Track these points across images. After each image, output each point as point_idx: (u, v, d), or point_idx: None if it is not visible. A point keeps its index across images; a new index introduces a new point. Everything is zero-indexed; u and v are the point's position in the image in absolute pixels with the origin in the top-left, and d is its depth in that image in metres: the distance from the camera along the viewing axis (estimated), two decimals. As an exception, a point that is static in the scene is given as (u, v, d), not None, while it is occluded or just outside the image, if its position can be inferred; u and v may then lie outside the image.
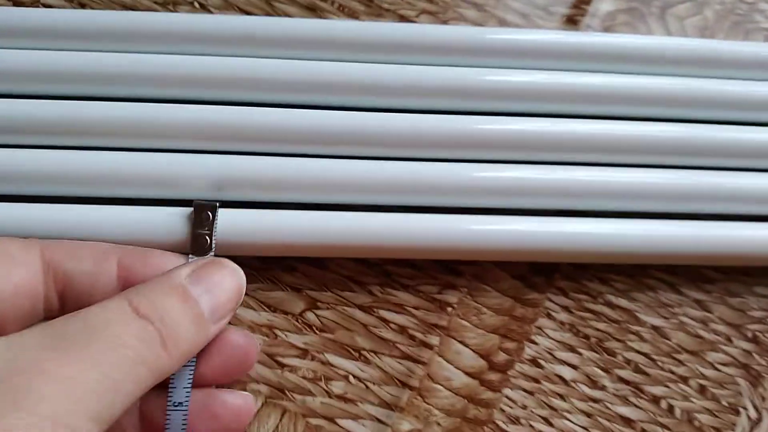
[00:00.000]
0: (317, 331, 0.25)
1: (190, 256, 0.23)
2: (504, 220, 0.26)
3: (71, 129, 0.25)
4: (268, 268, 0.26)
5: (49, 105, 0.25)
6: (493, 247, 0.25)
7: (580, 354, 0.26)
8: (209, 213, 0.23)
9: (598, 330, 0.27)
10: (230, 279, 0.21)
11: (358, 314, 0.26)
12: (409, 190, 0.26)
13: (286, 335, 0.25)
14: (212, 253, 0.23)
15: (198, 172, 0.25)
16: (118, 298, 0.19)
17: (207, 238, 0.23)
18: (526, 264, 0.27)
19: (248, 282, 0.25)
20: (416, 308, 0.26)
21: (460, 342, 0.26)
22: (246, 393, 0.22)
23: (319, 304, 0.26)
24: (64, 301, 0.20)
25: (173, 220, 0.24)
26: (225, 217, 0.24)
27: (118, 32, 0.26)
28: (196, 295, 0.20)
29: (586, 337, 0.27)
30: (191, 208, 0.23)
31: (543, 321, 0.27)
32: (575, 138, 0.27)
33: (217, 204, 0.23)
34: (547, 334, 0.27)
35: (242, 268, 0.25)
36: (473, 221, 0.25)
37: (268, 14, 0.30)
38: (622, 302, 0.27)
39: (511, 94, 0.27)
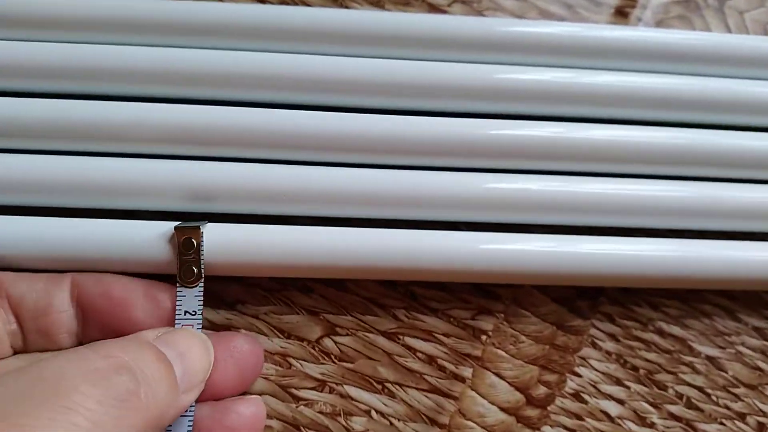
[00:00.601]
0: (336, 360, 0.23)
1: (178, 286, 0.20)
2: (543, 240, 0.23)
3: (29, 130, 0.22)
4: (281, 289, 0.23)
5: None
6: (533, 270, 0.22)
7: (627, 387, 0.24)
8: (192, 239, 0.20)
9: (647, 361, 0.24)
10: (199, 349, 0.19)
11: (382, 341, 0.23)
12: (433, 204, 0.23)
13: (301, 364, 0.23)
14: (201, 283, 0.20)
15: (183, 180, 0.22)
16: (80, 348, 0.16)
17: (194, 267, 0.20)
18: (569, 285, 0.24)
19: (259, 303, 0.23)
20: (447, 336, 0.23)
21: (496, 374, 0.23)
22: (254, 397, 0.21)
23: (338, 329, 0.23)
24: (21, 324, 0.20)
25: (155, 238, 0.21)
26: (216, 234, 0.21)
27: (84, 20, 0.23)
28: (168, 356, 0.18)
29: (635, 368, 0.24)
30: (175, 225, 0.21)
31: (587, 350, 0.24)
32: (623, 146, 0.24)
33: (201, 227, 0.21)
34: (591, 365, 0.24)
35: (251, 288, 0.23)
36: (509, 240, 0.22)
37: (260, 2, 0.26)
38: (675, 330, 0.25)
39: (533, 94, 0.24)
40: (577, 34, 0.24)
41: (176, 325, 0.20)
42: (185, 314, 0.20)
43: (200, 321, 0.20)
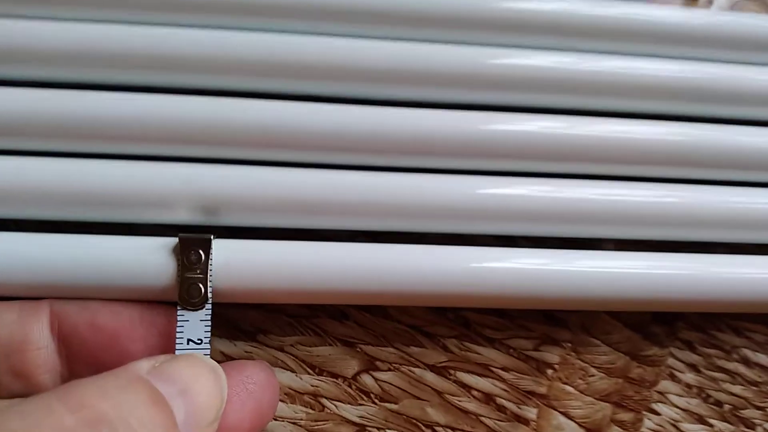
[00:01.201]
0: (377, 401, 0.19)
1: (179, 309, 0.16)
2: (611, 258, 0.19)
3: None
4: (310, 315, 0.19)
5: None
6: (601, 294, 0.19)
7: (710, 426, 0.21)
8: (200, 251, 0.17)
9: (732, 395, 0.21)
10: (208, 381, 0.15)
11: (430, 377, 0.19)
12: (493, 215, 0.19)
13: (336, 406, 0.19)
14: (209, 305, 0.17)
15: (185, 187, 0.18)
16: (44, 396, 0.13)
17: (200, 285, 0.17)
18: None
19: (284, 333, 0.19)
20: (506, 370, 0.20)
21: (563, 413, 0.20)
22: None
23: (378, 363, 0.19)
24: None
25: (152, 255, 0.17)
26: (223, 252, 0.17)
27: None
28: (166, 394, 0.14)
29: (718, 403, 0.21)
30: (176, 240, 0.17)
31: (665, 384, 0.21)
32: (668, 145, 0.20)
33: (212, 237, 0.17)
34: (670, 401, 0.21)
35: (274, 315, 0.19)
36: (576, 258, 0.19)
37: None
38: (761, 358, 0.21)
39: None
40: (584, 12, 0.21)
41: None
42: (188, 343, 0.17)
43: (208, 351, 0.16)
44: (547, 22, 0.20)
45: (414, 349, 0.20)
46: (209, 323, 0.17)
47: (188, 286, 0.17)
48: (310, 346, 0.19)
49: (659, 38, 0.21)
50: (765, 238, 0.21)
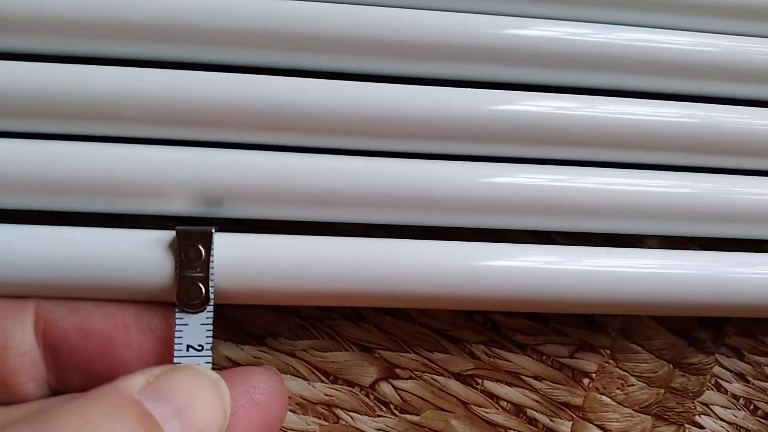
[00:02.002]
0: (396, 412, 0.17)
1: (177, 311, 0.15)
2: (650, 257, 0.17)
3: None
4: (324, 317, 0.18)
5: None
6: (644, 297, 0.17)
7: (758, 441, 0.19)
8: (200, 246, 0.15)
9: (783, 407, 0.19)
10: (209, 397, 0.14)
11: (455, 387, 0.18)
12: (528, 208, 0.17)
13: (351, 417, 0.17)
14: (210, 307, 0.15)
15: (185, 174, 0.16)
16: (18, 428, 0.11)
17: (200, 285, 0.15)
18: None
19: (296, 337, 0.17)
20: (538, 379, 0.18)
21: (599, 427, 0.18)
22: None
23: (398, 371, 0.18)
24: None
25: (148, 250, 0.15)
26: (227, 247, 0.15)
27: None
28: (159, 417, 0.12)
29: (767, 416, 0.19)
30: (173, 233, 0.15)
31: (710, 394, 0.19)
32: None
33: (213, 230, 0.15)
34: (715, 413, 0.19)
35: (285, 316, 0.17)
36: (618, 256, 0.17)
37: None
38: (816, 367, 0.19)
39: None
40: None
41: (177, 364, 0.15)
42: (188, 349, 0.15)
43: (209, 359, 0.15)
44: None
45: (438, 356, 0.18)
46: (211, 327, 0.15)
47: (187, 285, 0.15)
48: (324, 351, 0.17)
49: (678, 7, 0.19)
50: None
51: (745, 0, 0.19)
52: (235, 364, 0.17)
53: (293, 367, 0.17)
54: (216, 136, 0.16)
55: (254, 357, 0.17)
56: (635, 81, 0.19)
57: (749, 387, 0.19)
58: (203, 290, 0.15)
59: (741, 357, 0.19)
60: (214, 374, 0.14)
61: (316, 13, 0.17)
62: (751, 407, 0.19)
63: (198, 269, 0.15)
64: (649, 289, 0.17)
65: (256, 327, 0.17)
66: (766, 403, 0.19)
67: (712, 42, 0.18)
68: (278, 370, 0.17)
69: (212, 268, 0.15)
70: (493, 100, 0.17)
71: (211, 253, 0.15)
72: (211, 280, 0.15)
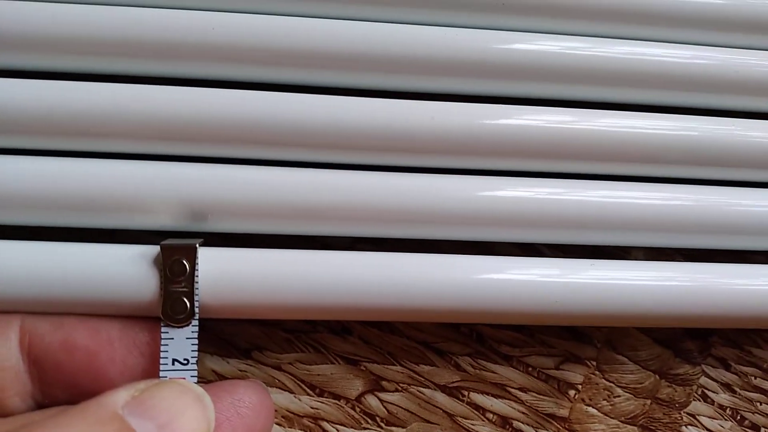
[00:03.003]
0: (382, 424, 0.18)
1: (163, 325, 0.15)
2: (638, 269, 0.17)
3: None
4: (310, 330, 0.18)
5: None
6: (629, 309, 0.17)
7: (745, 451, 0.19)
8: (184, 261, 0.15)
9: (769, 417, 0.19)
10: (194, 412, 0.14)
11: (441, 399, 0.18)
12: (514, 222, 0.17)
13: (337, 430, 0.17)
14: (195, 321, 0.15)
15: (170, 189, 0.16)
16: None
17: (185, 300, 0.15)
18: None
19: (282, 350, 0.17)
20: (524, 390, 0.18)
21: (585, 438, 0.18)
22: None
23: (384, 383, 0.18)
24: None
25: (133, 265, 0.15)
26: (212, 262, 0.16)
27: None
28: None
29: (754, 427, 0.19)
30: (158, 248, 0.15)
31: (696, 405, 0.19)
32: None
33: (198, 244, 0.15)
34: (702, 424, 0.19)
35: (271, 330, 0.17)
36: (601, 268, 0.17)
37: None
38: (802, 377, 0.20)
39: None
40: None
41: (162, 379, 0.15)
42: (174, 363, 0.15)
43: (195, 373, 0.15)
44: (551, 4, 0.18)
45: (423, 368, 0.18)
46: (196, 341, 0.15)
47: (172, 300, 0.15)
48: (310, 365, 0.18)
49: (673, 21, 0.19)
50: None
51: (739, 13, 0.19)
52: (222, 377, 0.17)
53: (279, 380, 0.17)
54: (201, 150, 0.17)
55: (240, 370, 0.17)
56: (626, 94, 0.19)
57: (736, 397, 0.19)
58: (188, 305, 0.15)
59: (728, 367, 0.19)
60: (199, 389, 0.14)
61: (303, 29, 0.17)
62: (738, 417, 0.19)
63: (183, 284, 0.15)
64: (634, 300, 0.17)
65: (242, 340, 0.18)
66: (752, 413, 0.19)
67: (705, 54, 0.19)
68: (264, 383, 0.17)
69: (197, 282, 0.15)
70: (485, 114, 0.17)
71: (196, 267, 0.15)
72: (196, 295, 0.15)
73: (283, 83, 0.17)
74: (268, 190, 0.16)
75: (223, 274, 0.16)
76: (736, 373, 0.19)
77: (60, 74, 0.16)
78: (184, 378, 0.15)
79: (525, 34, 0.18)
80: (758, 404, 0.19)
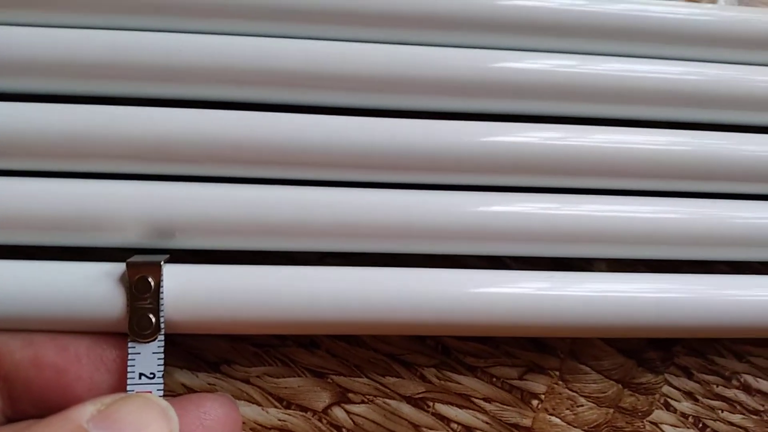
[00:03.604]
0: (349, 435, 0.18)
1: (129, 340, 0.15)
2: (599, 280, 0.18)
3: None
4: (278, 345, 0.18)
5: None
6: (588, 319, 0.17)
7: (707, 458, 0.19)
8: (149, 279, 0.16)
9: (731, 424, 0.20)
10: (157, 425, 0.14)
11: (406, 410, 0.18)
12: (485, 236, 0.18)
13: (304, 441, 0.18)
14: (161, 336, 0.15)
15: (137, 208, 0.16)
16: None
17: (150, 316, 0.15)
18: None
19: (250, 363, 0.18)
20: (488, 401, 0.19)
21: (549, 447, 0.19)
22: None
23: (350, 395, 0.18)
24: None
25: (100, 283, 0.16)
26: (177, 278, 0.16)
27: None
28: None
29: (716, 434, 0.19)
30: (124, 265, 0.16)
31: (659, 413, 0.19)
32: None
33: (162, 261, 0.16)
34: (664, 432, 0.19)
35: (239, 344, 0.18)
36: (567, 282, 0.17)
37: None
38: (764, 385, 0.20)
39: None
40: (583, 10, 0.19)
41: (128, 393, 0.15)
42: (140, 377, 0.15)
43: (161, 387, 0.15)
44: (541, 22, 0.19)
45: (390, 380, 0.18)
46: (162, 356, 0.16)
47: (138, 316, 0.16)
48: (278, 378, 0.18)
49: (662, 37, 0.19)
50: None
51: (727, 29, 0.19)
52: (191, 390, 0.18)
53: (247, 393, 0.18)
54: (168, 169, 0.17)
55: (209, 384, 0.18)
56: (615, 110, 0.19)
57: (698, 405, 0.20)
58: (153, 321, 0.16)
59: (690, 376, 0.20)
60: (164, 402, 0.15)
61: (268, 48, 0.17)
62: (701, 425, 0.20)
63: (148, 300, 0.16)
64: (596, 312, 0.18)
65: (211, 354, 0.18)
66: (714, 420, 0.20)
67: (695, 70, 0.19)
68: (233, 396, 0.18)
69: (162, 298, 0.16)
70: (451, 130, 0.18)
71: (161, 284, 0.16)
72: (162, 311, 0.16)
73: (250, 102, 0.18)
74: (232, 206, 0.17)
75: (188, 289, 0.16)
76: (698, 382, 0.20)
77: (24, 96, 0.16)
78: (150, 392, 0.15)
79: (515, 52, 0.18)
80: (720, 412, 0.20)
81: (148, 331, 0.16)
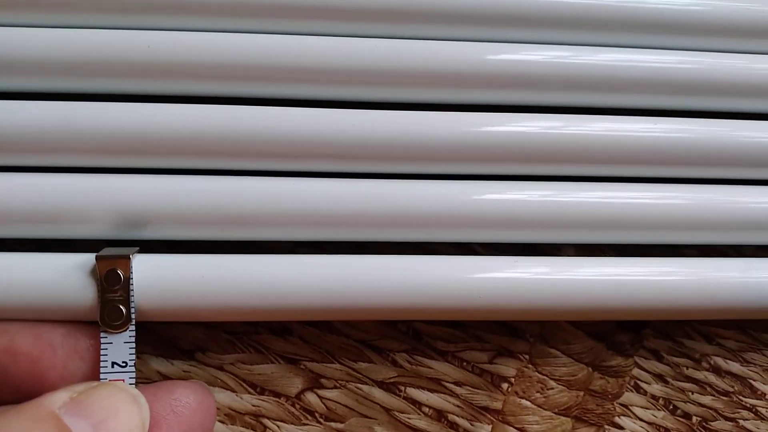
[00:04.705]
0: (321, 420, 0.18)
1: (101, 331, 0.16)
2: (569, 265, 0.18)
3: None
4: (251, 332, 0.18)
5: None
6: (561, 304, 0.18)
7: (678, 439, 0.20)
8: (119, 271, 0.16)
9: (701, 406, 0.20)
10: (128, 411, 0.14)
11: (378, 394, 0.19)
12: (433, 222, 0.18)
13: (278, 426, 0.18)
14: (132, 326, 0.16)
15: (107, 200, 0.17)
16: None
17: (121, 307, 0.16)
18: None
19: (224, 351, 0.18)
20: (459, 384, 0.19)
21: (519, 430, 0.19)
22: None
23: (323, 381, 0.18)
24: None
25: (72, 273, 0.16)
26: (147, 269, 0.16)
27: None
28: (77, 431, 0.13)
29: (686, 415, 0.20)
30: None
31: (629, 396, 0.20)
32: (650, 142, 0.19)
33: (131, 255, 0.16)
34: (634, 414, 0.20)
35: (213, 332, 0.18)
36: (531, 265, 0.18)
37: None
38: (734, 367, 0.20)
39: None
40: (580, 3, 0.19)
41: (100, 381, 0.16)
42: (113, 366, 0.16)
43: (133, 375, 0.16)
44: (537, 14, 0.19)
45: (361, 365, 0.19)
46: (133, 345, 0.16)
47: (109, 307, 0.16)
48: (251, 364, 0.18)
49: (657, 27, 0.20)
50: (740, 239, 0.20)
51: (722, 18, 0.20)
52: (166, 378, 0.18)
53: (221, 380, 0.18)
54: (136, 162, 0.17)
55: (184, 371, 0.18)
56: (607, 99, 0.19)
57: (668, 387, 0.20)
58: (124, 312, 0.16)
59: (660, 359, 0.20)
60: (134, 390, 0.15)
61: (239, 43, 0.18)
62: (671, 407, 0.20)
63: (119, 292, 0.16)
64: (563, 295, 0.18)
65: (185, 342, 0.18)
66: (684, 402, 0.20)
67: (689, 59, 0.19)
68: (207, 383, 0.18)
69: (132, 290, 0.16)
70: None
71: (131, 276, 0.16)
72: (132, 302, 0.16)
73: (223, 96, 0.18)
74: (201, 197, 0.17)
75: (158, 279, 0.16)
76: (668, 364, 0.20)
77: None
78: (122, 380, 0.16)
79: (512, 44, 0.19)
80: (690, 394, 0.20)
81: (119, 322, 0.16)
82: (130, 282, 0.16)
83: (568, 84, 0.19)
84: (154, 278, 0.16)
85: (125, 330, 0.16)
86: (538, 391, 0.19)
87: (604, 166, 0.19)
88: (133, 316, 0.16)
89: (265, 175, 0.18)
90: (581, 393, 0.19)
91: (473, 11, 0.19)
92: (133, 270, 0.16)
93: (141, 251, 0.16)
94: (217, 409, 0.18)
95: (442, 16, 0.18)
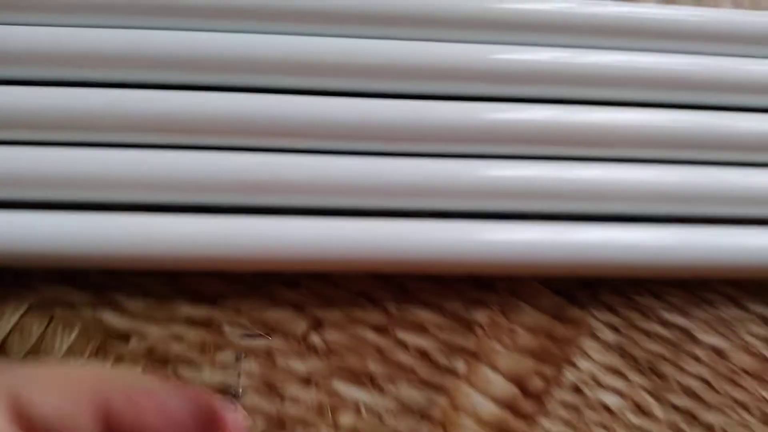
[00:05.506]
0: (323, 356, 0.22)
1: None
2: (539, 229, 0.22)
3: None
4: (264, 284, 0.22)
5: None
6: (528, 261, 0.21)
7: (627, 379, 0.23)
8: None
9: (648, 351, 0.23)
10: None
11: (371, 336, 0.22)
12: (421, 192, 0.22)
13: (286, 361, 0.22)
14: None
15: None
16: None
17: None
18: (567, 277, 0.23)
19: (242, 298, 0.22)
20: (439, 329, 0.22)
21: (490, 367, 0.22)
22: None
23: (324, 324, 0.22)
24: None
25: None
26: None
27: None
28: None
29: (635, 359, 0.23)
30: None
31: (586, 342, 0.23)
32: (625, 129, 0.23)
33: None
34: (590, 357, 0.23)
35: (232, 284, 0.21)
36: (504, 230, 0.22)
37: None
38: (678, 319, 0.23)
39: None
40: (576, 11, 0.23)
41: None
42: None
43: None
44: (543, 21, 0.23)
45: (357, 312, 0.22)
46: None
47: None
48: (263, 310, 0.22)
49: (648, 34, 0.24)
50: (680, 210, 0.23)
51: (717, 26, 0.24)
52: (193, 320, 0.21)
53: (238, 322, 0.22)
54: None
55: (206, 315, 0.22)
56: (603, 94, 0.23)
57: (620, 336, 0.23)
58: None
59: (614, 312, 0.23)
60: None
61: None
62: (622, 352, 0.23)
63: None
64: (534, 255, 0.21)
65: (209, 291, 0.22)
66: (634, 348, 0.23)
67: (683, 61, 0.23)
68: (227, 325, 0.21)
69: None
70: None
71: None
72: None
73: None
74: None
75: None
76: (620, 317, 0.23)
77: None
78: None
79: (512, 46, 0.23)
80: (638, 341, 0.23)
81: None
82: None
83: (561, 80, 0.22)
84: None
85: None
86: (506, 336, 0.23)
87: (602, 149, 0.23)
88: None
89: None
90: (544, 339, 0.23)
91: (480, 19, 0.23)
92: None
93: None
94: (233, 345, 0.21)
95: (449, 23, 0.22)
